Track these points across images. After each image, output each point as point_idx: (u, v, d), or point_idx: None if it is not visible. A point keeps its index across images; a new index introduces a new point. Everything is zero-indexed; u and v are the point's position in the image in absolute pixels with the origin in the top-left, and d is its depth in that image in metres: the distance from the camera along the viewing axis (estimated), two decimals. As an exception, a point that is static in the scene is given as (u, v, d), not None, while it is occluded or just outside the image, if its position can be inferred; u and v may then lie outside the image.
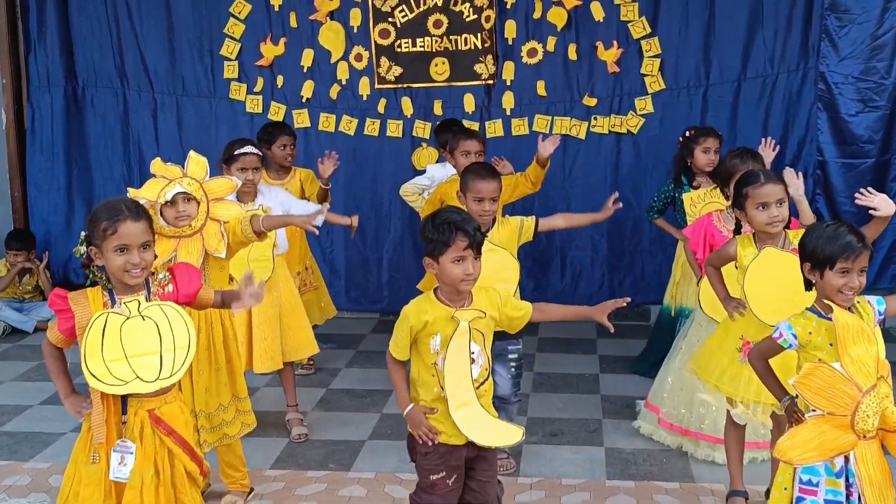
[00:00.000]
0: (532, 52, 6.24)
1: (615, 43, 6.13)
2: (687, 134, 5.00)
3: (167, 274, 2.95)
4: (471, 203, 3.74)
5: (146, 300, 2.88)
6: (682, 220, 4.96)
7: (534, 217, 3.90)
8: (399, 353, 3.04)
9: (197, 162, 3.57)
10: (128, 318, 2.82)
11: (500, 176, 3.86)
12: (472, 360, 2.95)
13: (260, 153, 4.31)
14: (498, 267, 3.65)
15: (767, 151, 4.49)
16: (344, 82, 6.41)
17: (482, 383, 2.99)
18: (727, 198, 4.05)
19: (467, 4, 6.17)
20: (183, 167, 3.55)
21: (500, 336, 3.20)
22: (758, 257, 3.37)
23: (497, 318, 3.03)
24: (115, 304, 2.86)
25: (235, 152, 4.22)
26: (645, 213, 5.28)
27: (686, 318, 4.77)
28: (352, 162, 6.38)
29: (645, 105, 6.18)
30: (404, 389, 3.06)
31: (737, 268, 3.52)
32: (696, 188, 4.86)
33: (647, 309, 6.44)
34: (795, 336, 2.85)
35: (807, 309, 2.91)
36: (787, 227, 3.48)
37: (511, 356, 3.98)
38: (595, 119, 6.22)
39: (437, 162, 6.00)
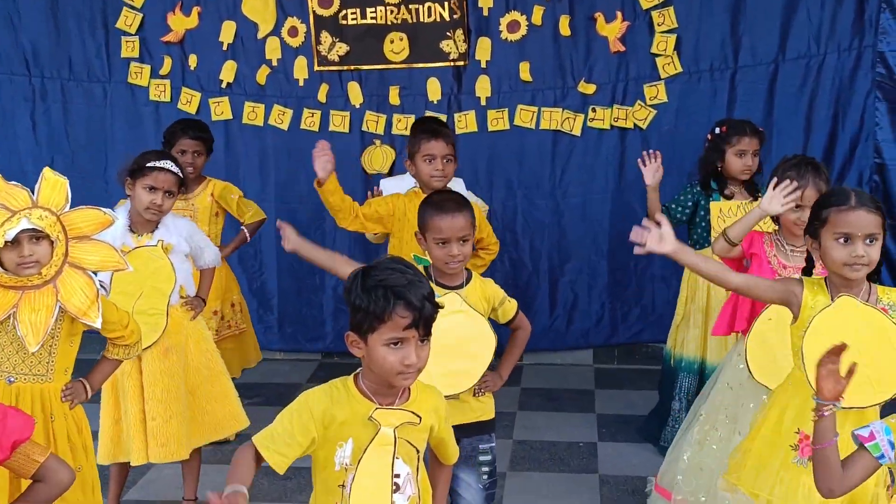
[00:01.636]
0: (513, 26, 5.78)
1: (619, 14, 5.65)
2: (717, 131, 4.58)
3: None
4: (433, 247, 3.29)
5: None
6: (705, 235, 4.57)
7: (516, 303, 3.46)
8: (270, 455, 2.31)
9: (53, 185, 2.98)
10: None
11: (469, 207, 3.36)
12: (396, 488, 2.38)
13: (180, 174, 3.94)
14: (469, 337, 3.21)
15: (650, 167, 4.41)
16: (275, 63, 5.96)
17: None
18: (775, 220, 3.71)
19: (431, -36, 5.75)
20: (33, 192, 2.97)
21: (466, 430, 2.86)
22: (830, 307, 2.88)
23: (435, 431, 2.49)
24: None
25: (148, 164, 3.86)
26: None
27: (686, 371, 4.58)
28: (285, 163, 6.01)
29: (657, 93, 5.70)
30: (240, 472, 2.30)
31: (794, 323, 3.01)
32: (728, 198, 4.51)
33: (659, 349, 5.81)
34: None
35: None
36: (874, 278, 3.02)
37: (482, 458, 3.36)
38: (594, 110, 5.78)
39: (389, 173, 5.76)
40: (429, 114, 5.68)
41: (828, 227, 2.89)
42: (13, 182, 2.95)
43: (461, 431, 2.65)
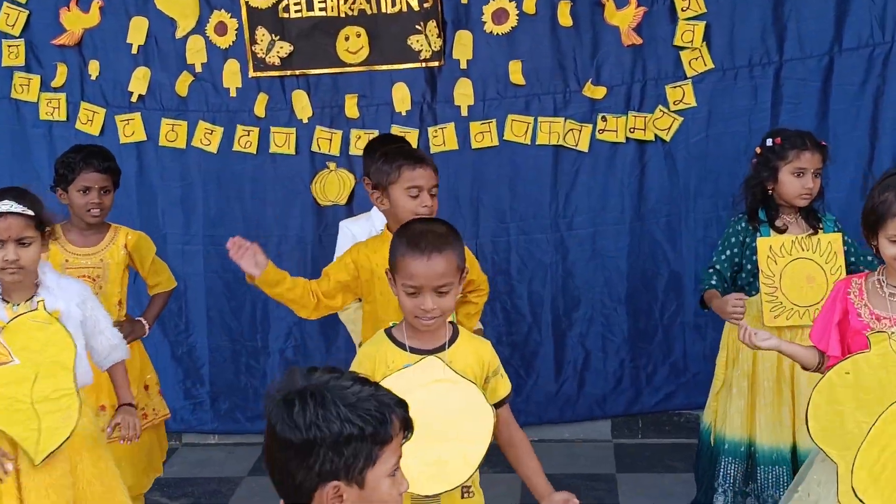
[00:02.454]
0: (500, 16, 5.36)
1: (633, -3, 5.29)
2: (768, 143, 4.22)
3: None
4: (402, 296, 2.98)
5: None
6: (751, 280, 4.18)
7: (510, 387, 3.14)
8: None
9: None
10: None
11: (456, 245, 3.02)
12: None
13: (30, 212, 3.51)
14: (458, 412, 2.92)
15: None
16: (199, 69, 5.53)
17: None
18: (877, 253, 3.38)
19: (394, -58, 5.39)
20: None
21: None
22: None
23: None
24: None
25: None
26: (701, 278, 4.41)
27: (730, 455, 4.25)
28: (215, 195, 5.60)
29: (682, 96, 5.28)
30: None
31: None
32: (780, 230, 4.15)
33: (694, 418, 5.37)
34: None
35: None
36: None
37: None
38: (604, 120, 5.36)
39: (348, 203, 5.47)
40: (395, 129, 5.24)
41: None
42: None
43: None
